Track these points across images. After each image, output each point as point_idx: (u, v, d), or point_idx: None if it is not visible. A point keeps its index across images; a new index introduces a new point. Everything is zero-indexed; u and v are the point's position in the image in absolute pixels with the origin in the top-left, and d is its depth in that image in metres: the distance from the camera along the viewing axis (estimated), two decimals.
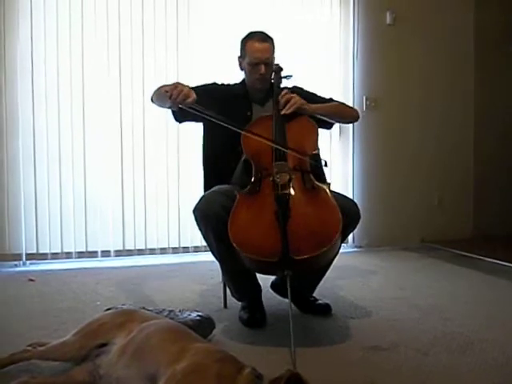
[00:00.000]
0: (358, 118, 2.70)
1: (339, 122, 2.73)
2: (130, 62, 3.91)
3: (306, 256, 1.99)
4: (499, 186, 4.66)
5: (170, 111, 2.45)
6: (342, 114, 2.63)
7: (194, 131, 3.88)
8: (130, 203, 3.95)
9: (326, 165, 2.34)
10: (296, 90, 2.58)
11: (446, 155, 4.59)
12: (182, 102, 2.14)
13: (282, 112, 2.37)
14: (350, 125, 4.34)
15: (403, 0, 4.44)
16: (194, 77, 3.97)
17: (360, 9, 4.33)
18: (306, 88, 2.67)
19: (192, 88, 2.36)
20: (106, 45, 3.87)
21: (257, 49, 2.46)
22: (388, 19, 4.39)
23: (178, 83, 2.21)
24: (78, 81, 3.82)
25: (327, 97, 2.69)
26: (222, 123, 2.21)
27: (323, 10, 4.26)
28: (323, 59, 4.26)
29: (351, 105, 4.33)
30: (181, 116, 2.42)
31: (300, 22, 4.17)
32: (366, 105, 4.38)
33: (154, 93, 2.44)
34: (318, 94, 2.68)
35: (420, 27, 4.46)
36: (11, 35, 3.70)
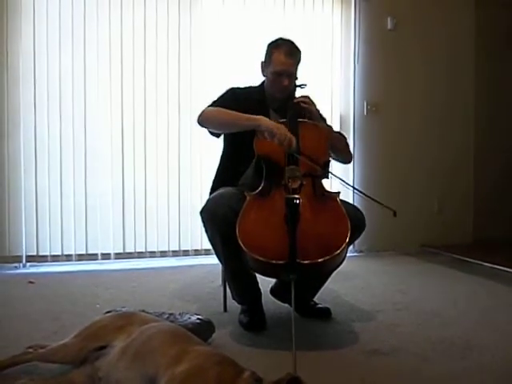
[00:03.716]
0: (350, 162, 2.78)
1: (334, 154, 2.60)
2: (131, 64, 3.93)
3: (312, 261, 2.00)
4: (499, 191, 4.66)
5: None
6: (341, 149, 2.60)
7: (194, 136, 3.94)
8: (130, 206, 3.96)
9: (395, 215, 2.19)
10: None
11: (447, 160, 4.60)
12: (287, 147, 2.21)
13: (297, 100, 2.40)
14: (351, 129, 4.36)
15: (404, 5, 4.46)
16: (194, 78, 4.02)
17: (361, 14, 4.35)
18: (320, 111, 2.67)
19: (215, 101, 2.48)
20: (108, 44, 3.88)
21: (283, 62, 2.44)
22: (389, 24, 4.41)
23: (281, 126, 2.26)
24: (80, 83, 3.84)
25: (335, 129, 2.73)
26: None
27: (324, 15, 4.28)
28: (324, 64, 4.28)
29: (352, 109, 4.37)
30: (219, 133, 2.53)
31: (301, 27, 4.18)
32: (367, 109, 4.40)
33: (214, 116, 2.43)
34: (328, 123, 2.69)
35: (421, 32, 4.47)
36: (14, 37, 3.72)
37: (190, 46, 4.02)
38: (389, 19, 4.40)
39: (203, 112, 2.44)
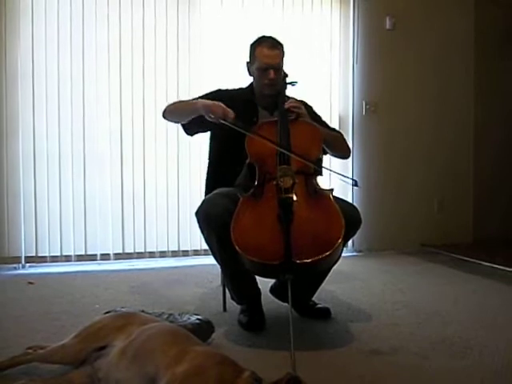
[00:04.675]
0: (349, 157, 2.75)
1: (331, 151, 2.60)
2: (130, 65, 3.92)
3: (307, 260, 2.00)
4: (499, 190, 4.66)
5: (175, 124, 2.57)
6: (337, 145, 2.59)
7: (193, 137, 3.92)
8: (129, 206, 3.96)
9: (356, 184, 2.32)
10: (305, 105, 2.57)
11: (446, 160, 4.60)
12: (225, 117, 2.23)
13: (286, 106, 2.39)
14: (350, 129, 4.36)
15: (403, 5, 4.46)
16: (192, 79, 4.01)
17: (360, 13, 4.35)
18: (314, 109, 2.68)
19: (200, 97, 2.47)
20: (107, 46, 3.88)
21: (266, 54, 2.45)
22: (388, 24, 4.41)
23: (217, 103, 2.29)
24: (79, 83, 3.84)
25: (331, 126, 2.72)
26: (250, 134, 2.27)
27: (323, 14, 4.28)
28: (323, 64, 4.28)
29: (351, 109, 4.37)
30: (193, 130, 2.53)
31: (300, 27, 4.19)
32: (366, 109, 4.40)
33: (171, 108, 2.52)
34: (323, 119, 2.69)
35: (419, 32, 4.47)
36: (12, 37, 3.72)
37: (188, 46, 4.02)
38: (387, 19, 4.40)
39: (166, 106, 2.53)
